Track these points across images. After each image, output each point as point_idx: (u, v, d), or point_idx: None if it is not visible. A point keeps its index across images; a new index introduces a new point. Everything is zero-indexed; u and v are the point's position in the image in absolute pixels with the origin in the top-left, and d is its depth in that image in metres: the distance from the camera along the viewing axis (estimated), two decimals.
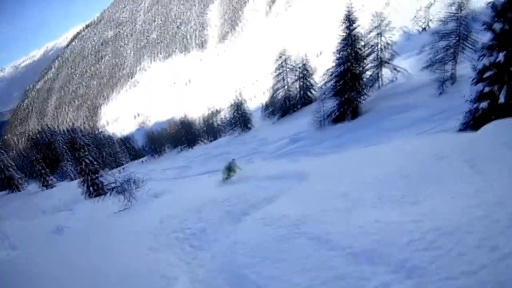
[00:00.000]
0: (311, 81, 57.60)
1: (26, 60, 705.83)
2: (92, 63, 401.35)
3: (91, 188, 37.77)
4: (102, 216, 19.84)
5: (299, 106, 57.87)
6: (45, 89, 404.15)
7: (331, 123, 36.73)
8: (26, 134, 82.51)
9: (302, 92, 57.61)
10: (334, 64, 36.81)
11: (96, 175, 38.28)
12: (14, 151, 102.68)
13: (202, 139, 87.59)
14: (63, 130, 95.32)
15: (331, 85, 37.46)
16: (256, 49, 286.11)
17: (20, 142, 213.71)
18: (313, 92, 57.98)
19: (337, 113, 36.61)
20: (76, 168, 39.63)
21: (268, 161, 31.00)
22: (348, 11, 35.20)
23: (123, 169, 69.00)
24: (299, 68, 56.22)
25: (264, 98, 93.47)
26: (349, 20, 35.24)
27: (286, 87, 57.74)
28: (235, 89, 69.27)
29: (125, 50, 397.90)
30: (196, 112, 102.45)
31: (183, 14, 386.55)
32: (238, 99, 65.68)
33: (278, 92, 59.43)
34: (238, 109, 64.15)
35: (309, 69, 57.23)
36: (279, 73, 57.79)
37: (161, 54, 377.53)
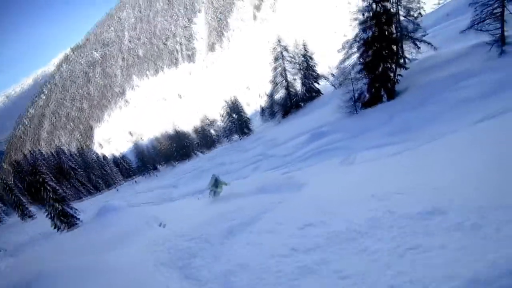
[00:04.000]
0: (315, 71, 51.10)
1: (17, 88, 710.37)
2: (81, 86, 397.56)
3: (58, 219, 31.11)
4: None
5: (302, 103, 51.11)
6: (37, 116, 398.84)
7: (362, 109, 28.48)
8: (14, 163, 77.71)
9: (306, 85, 51.23)
10: (357, 30, 28.80)
11: (62, 204, 31.48)
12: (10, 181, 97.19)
13: (196, 152, 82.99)
14: (50, 153, 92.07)
15: (354, 61, 29.32)
16: (246, 57, 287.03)
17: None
18: (319, 83, 51.67)
19: (367, 95, 28.39)
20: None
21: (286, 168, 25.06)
22: None
23: (116, 189, 65.09)
24: (300, 57, 50.04)
25: (259, 104, 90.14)
26: None
27: (286, 82, 51.41)
28: (229, 96, 62.12)
29: (113, 70, 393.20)
30: (189, 126, 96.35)
31: (168, 30, 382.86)
32: (232, 101, 58.40)
33: (277, 88, 54.83)
34: (234, 111, 57.16)
35: (311, 57, 50.97)
36: (277, 66, 52.49)
37: (149, 71, 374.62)
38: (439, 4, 78.35)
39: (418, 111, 21.46)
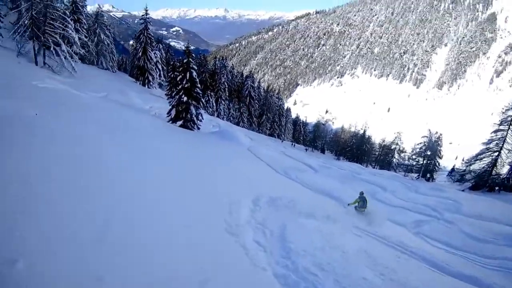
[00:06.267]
0: None
1: (251, 15, 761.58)
2: (308, 45, 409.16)
3: (176, 111, 25.93)
4: None
5: (498, 187, 41.53)
6: (256, 45, 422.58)
7: None
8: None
9: None
10: None
11: (190, 99, 26.13)
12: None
13: (369, 162, 79.63)
14: (239, 73, 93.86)
15: None
16: (465, 114, 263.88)
17: None
18: None
19: None
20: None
21: None
22: None
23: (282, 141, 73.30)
24: None
25: (451, 163, 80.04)
26: None
27: (498, 153, 42.36)
28: (435, 130, 52.52)
29: (344, 50, 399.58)
30: (379, 138, 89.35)
31: (410, 44, 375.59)
32: (436, 136, 48.91)
33: (485, 155, 44.10)
34: (430, 148, 47.86)
35: None
36: (498, 132, 42.49)
37: (375, 70, 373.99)
38: None
39: None
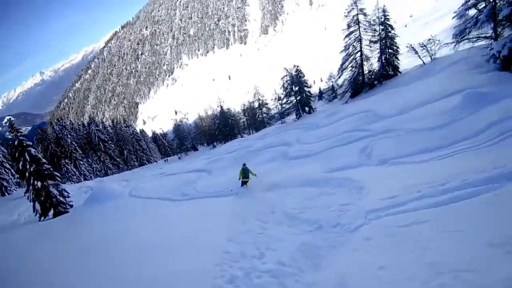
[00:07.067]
0: (396, 43, 42.41)
1: (65, 64, 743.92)
2: (129, 62, 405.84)
3: (38, 203, 22.24)
4: None
5: (377, 81, 43.01)
6: (83, 90, 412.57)
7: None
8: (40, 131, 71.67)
9: (384, 59, 42.04)
10: None
11: (46, 182, 22.30)
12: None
13: (242, 133, 77.73)
14: (80, 124, 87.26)
15: None
16: (301, 42, 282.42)
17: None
18: (399, 61, 43.23)
19: None
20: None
21: None
22: None
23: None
24: (379, 21, 41.05)
25: (315, 88, 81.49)
26: None
27: (360, 53, 42.61)
28: (291, 64, 52.03)
29: (163, 48, 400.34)
30: (238, 106, 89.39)
31: (221, 10, 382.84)
32: (294, 70, 48.25)
33: (348, 61, 44.20)
34: (295, 83, 47.09)
35: (391, 26, 41.92)
36: (350, 35, 42.68)
37: (199, 50, 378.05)
38: None
39: None
